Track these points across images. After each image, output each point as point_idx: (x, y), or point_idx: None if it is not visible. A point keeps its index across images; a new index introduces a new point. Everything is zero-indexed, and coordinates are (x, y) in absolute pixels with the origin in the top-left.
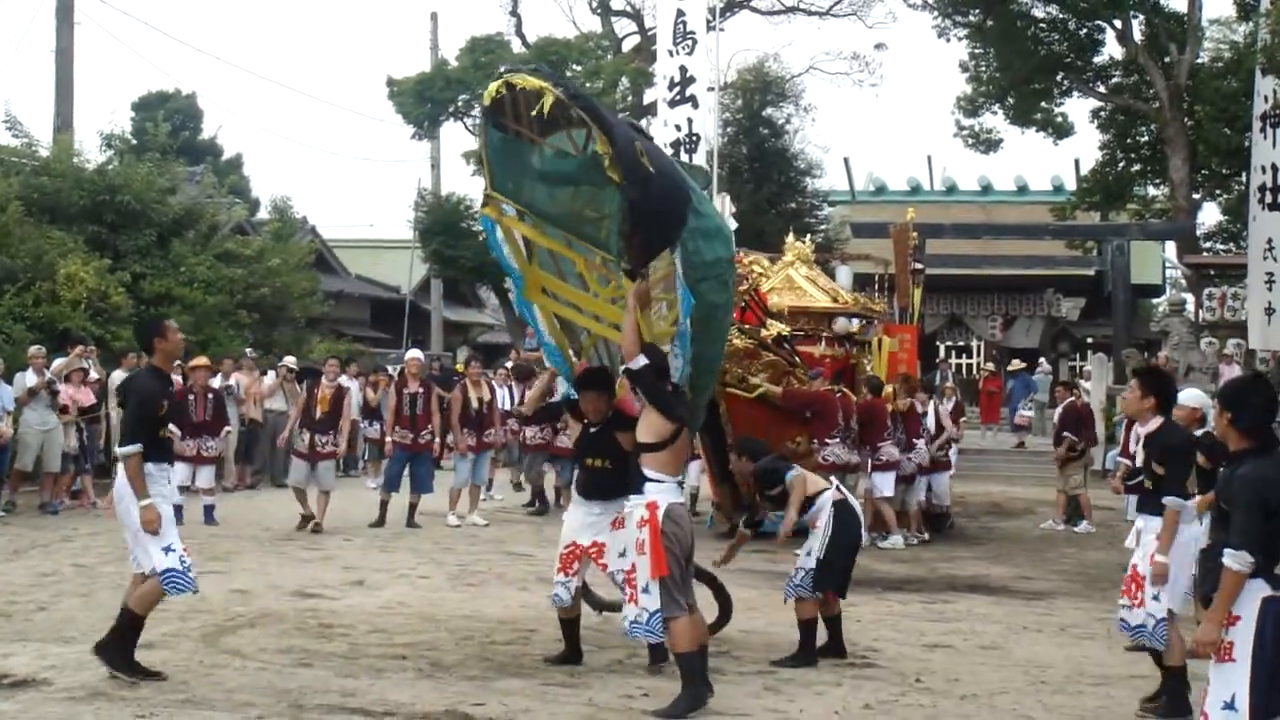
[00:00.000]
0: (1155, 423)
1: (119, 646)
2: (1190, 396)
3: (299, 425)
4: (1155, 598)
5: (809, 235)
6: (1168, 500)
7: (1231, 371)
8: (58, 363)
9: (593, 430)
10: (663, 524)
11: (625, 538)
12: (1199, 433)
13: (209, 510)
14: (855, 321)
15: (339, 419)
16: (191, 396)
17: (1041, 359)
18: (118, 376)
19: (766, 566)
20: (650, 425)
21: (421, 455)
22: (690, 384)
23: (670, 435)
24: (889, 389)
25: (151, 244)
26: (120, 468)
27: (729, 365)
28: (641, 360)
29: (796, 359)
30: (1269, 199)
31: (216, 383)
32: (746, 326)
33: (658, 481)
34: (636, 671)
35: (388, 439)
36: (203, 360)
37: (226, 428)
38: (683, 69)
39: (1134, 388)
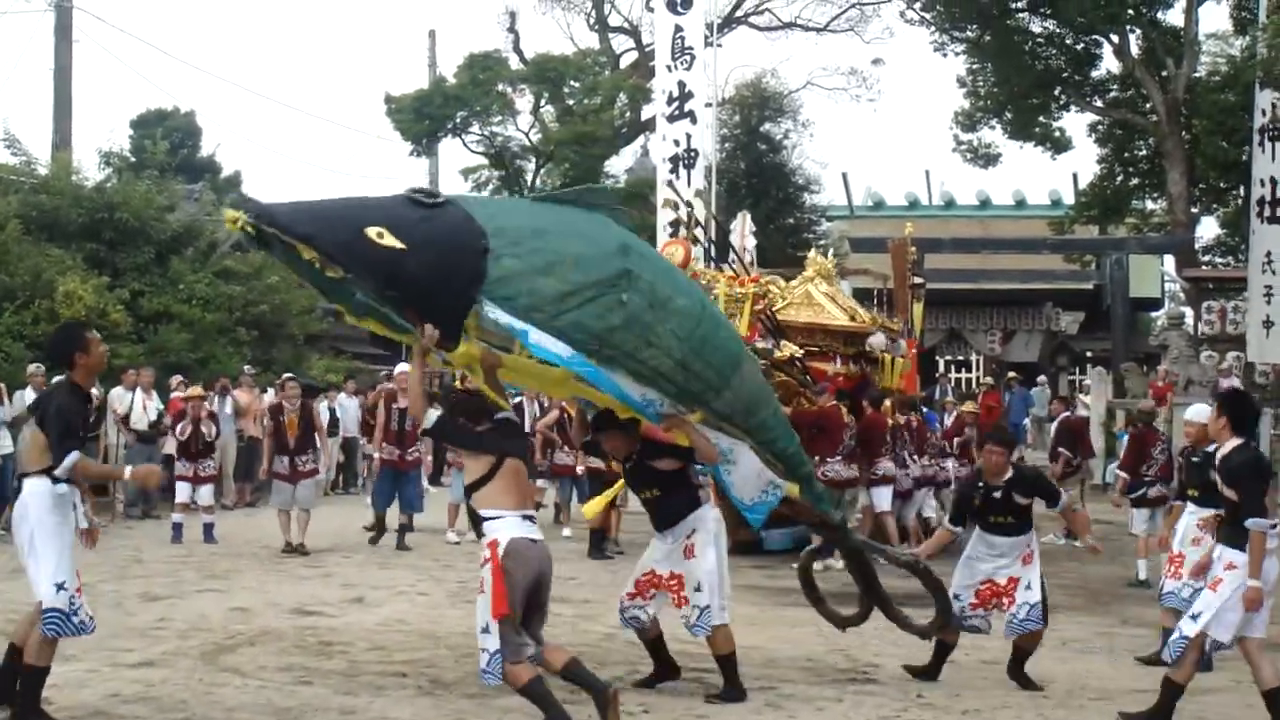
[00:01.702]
0: (1229, 445)
1: (33, 704)
2: (1200, 412)
3: (275, 453)
4: (1193, 618)
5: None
6: (1250, 523)
7: (1231, 385)
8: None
9: (628, 466)
10: (503, 562)
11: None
12: (1211, 448)
13: (208, 529)
14: (883, 338)
15: (312, 436)
16: (187, 425)
17: (1042, 376)
18: (26, 397)
19: (766, 583)
20: (468, 467)
21: (409, 474)
22: (691, 398)
23: (488, 470)
24: (887, 404)
25: (150, 261)
26: (25, 484)
27: None
28: (430, 419)
29: (808, 379)
30: (1268, 212)
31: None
32: (759, 346)
33: (495, 518)
34: (638, 688)
35: (374, 454)
36: (196, 390)
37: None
38: (681, 84)
39: (1214, 410)
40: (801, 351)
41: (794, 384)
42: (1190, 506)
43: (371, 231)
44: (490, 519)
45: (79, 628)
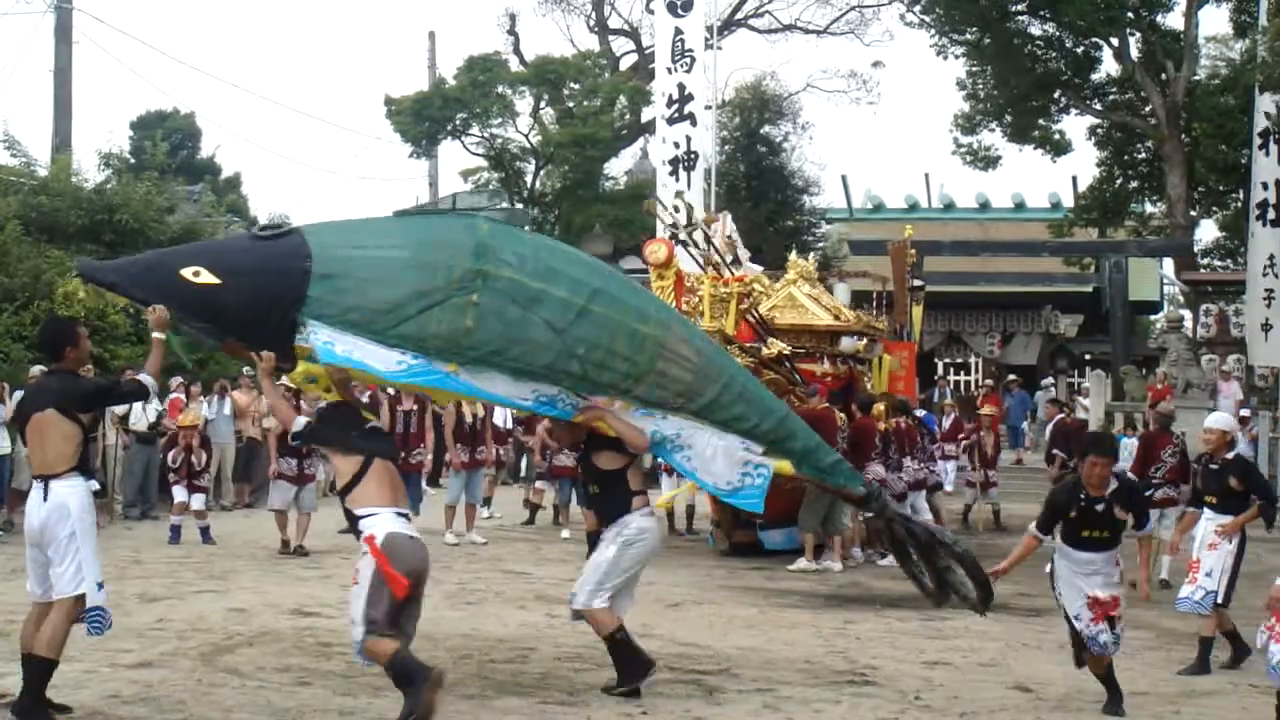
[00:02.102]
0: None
1: (36, 701)
2: (1220, 420)
3: (281, 454)
4: (1209, 574)
5: (810, 254)
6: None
7: (1230, 388)
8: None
9: (578, 458)
10: (385, 551)
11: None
12: (1230, 455)
13: (205, 532)
14: (861, 340)
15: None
16: (179, 452)
17: (1050, 378)
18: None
19: (765, 584)
20: (339, 470)
21: (412, 476)
22: (589, 387)
23: (359, 469)
24: (879, 407)
25: None
26: (56, 485)
27: None
28: (298, 424)
29: (797, 377)
30: (1270, 215)
31: (210, 408)
32: (747, 345)
33: (370, 515)
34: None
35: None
36: (190, 419)
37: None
38: (681, 86)
39: None
40: (789, 349)
41: (784, 382)
42: (1207, 513)
43: (187, 271)
44: (365, 516)
45: (110, 624)
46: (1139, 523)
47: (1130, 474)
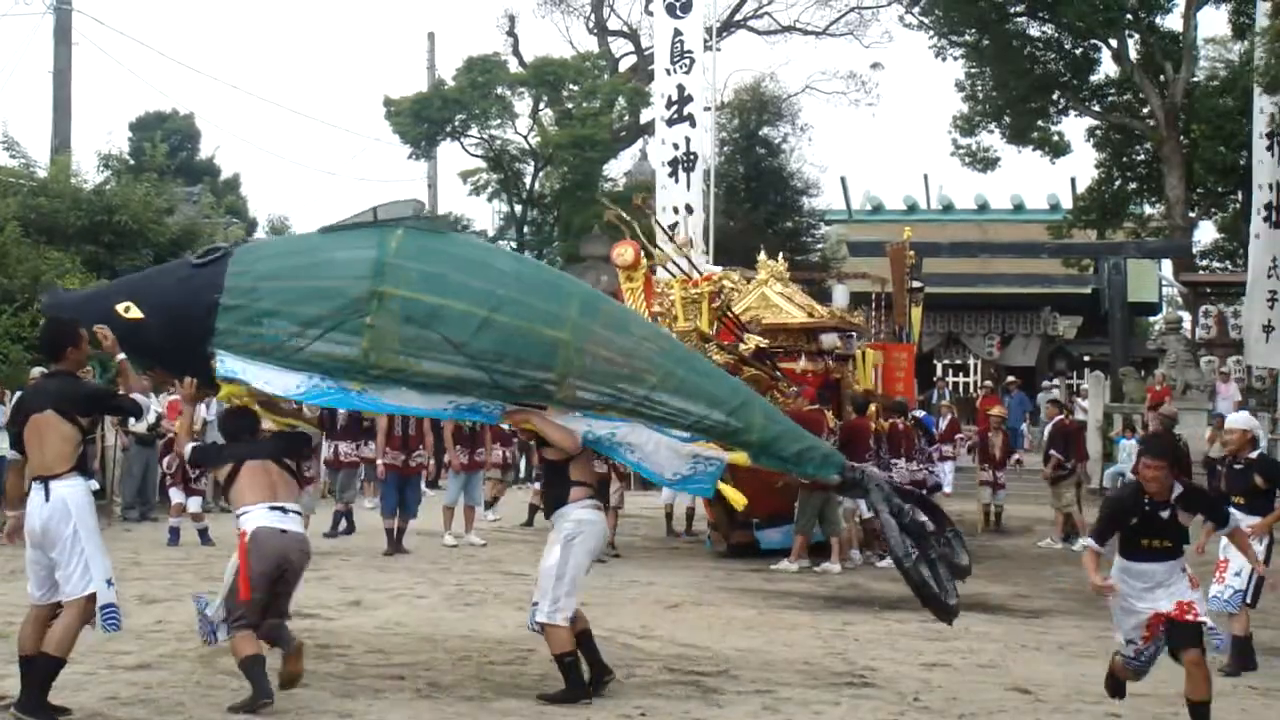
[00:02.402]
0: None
1: (41, 700)
2: (1240, 420)
3: None
4: (1237, 574)
5: (807, 254)
6: None
7: (1228, 390)
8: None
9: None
10: (248, 547)
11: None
12: (1253, 454)
13: (203, 534)
14: (837, 336)
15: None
16: (174, 459)
17: (1056, 379)
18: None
19: (763, 585)
20: (222, 480)
21: (413, 479)
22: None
23: (229, 474)
24: (872, 408)
25: (149, 264)
26: (56, 486)
27: None
28: (187, 451)
29: (778, 373)
30: (1273, 217)
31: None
32: (725, 344)
33: (244, 513)
34: (634, 691)
35: (379, 461)
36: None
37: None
38: (680, 88)
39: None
40: (766, 342)
41: (765, 378)
42: (1235, 514)
43: (120, 307)
44: (240, 514)
45: (122, 620)
46: (1220, 522)
47: (1132, 475)
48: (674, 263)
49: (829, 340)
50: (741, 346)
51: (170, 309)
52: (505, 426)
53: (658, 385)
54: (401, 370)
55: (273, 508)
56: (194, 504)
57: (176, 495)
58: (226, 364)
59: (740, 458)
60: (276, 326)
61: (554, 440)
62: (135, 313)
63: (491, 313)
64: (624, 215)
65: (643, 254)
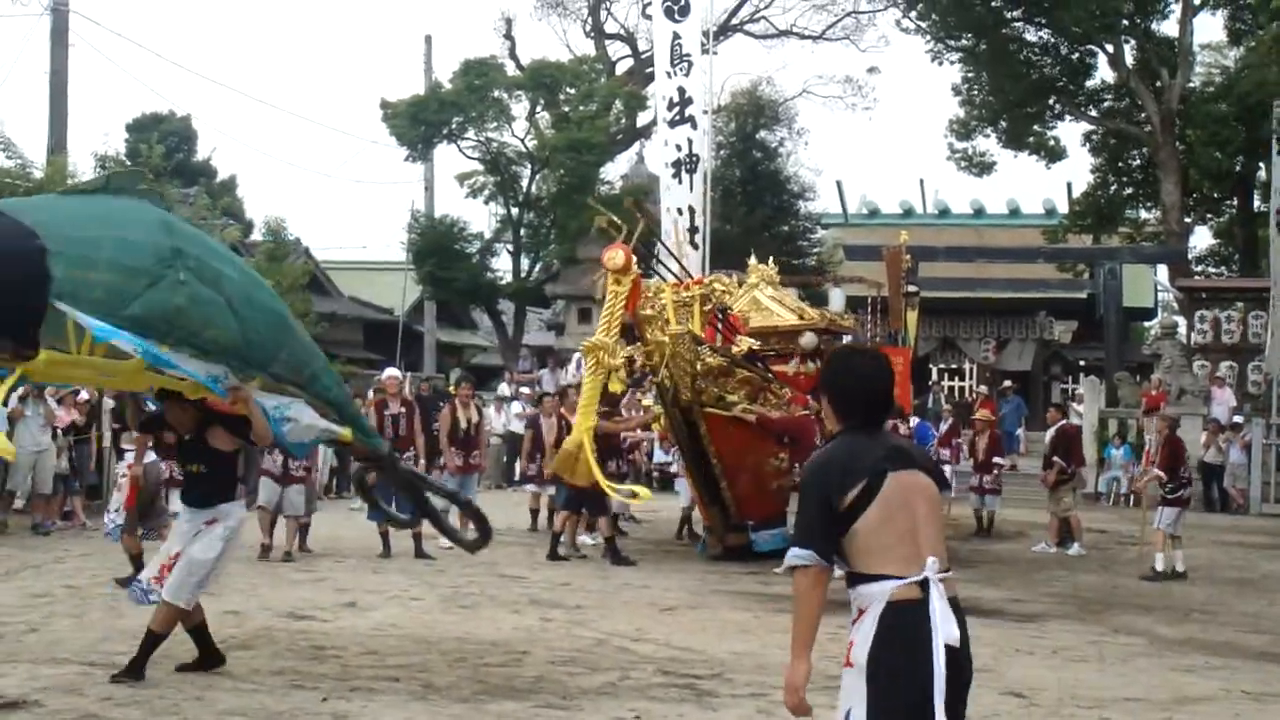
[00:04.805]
0: None
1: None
2: None
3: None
4: None
5: (803, 258)
6: None
7: (1223, 395)
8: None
9: (187, 439)
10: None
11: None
12: None
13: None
14: (816, 336)
15: None
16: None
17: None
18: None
19: (758, 589)
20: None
21: None
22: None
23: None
24: None
25: None
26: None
27: (705, 385)
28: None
29: (770, 375)
30: None
31: None
32: (717, 346)
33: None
34: (629, 693)
35: None
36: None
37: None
38: (681, 90)
39: None
40: (757, 343)
41: (757, 379)
42: None
43: None
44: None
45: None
46: None
47: (1158, 470)
48: (678, 263)
49: (808, 340)
50: (734, 349)
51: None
52: (502, 429)
53: (322, 362)
54: (196, 334)
55: None
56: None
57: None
58: (76, 316)
59: (347, 434)
60: (104, 278)
61: (257, 429)
62: None
63: (247, 280)
64: (615, 220)
65: (634, 258)
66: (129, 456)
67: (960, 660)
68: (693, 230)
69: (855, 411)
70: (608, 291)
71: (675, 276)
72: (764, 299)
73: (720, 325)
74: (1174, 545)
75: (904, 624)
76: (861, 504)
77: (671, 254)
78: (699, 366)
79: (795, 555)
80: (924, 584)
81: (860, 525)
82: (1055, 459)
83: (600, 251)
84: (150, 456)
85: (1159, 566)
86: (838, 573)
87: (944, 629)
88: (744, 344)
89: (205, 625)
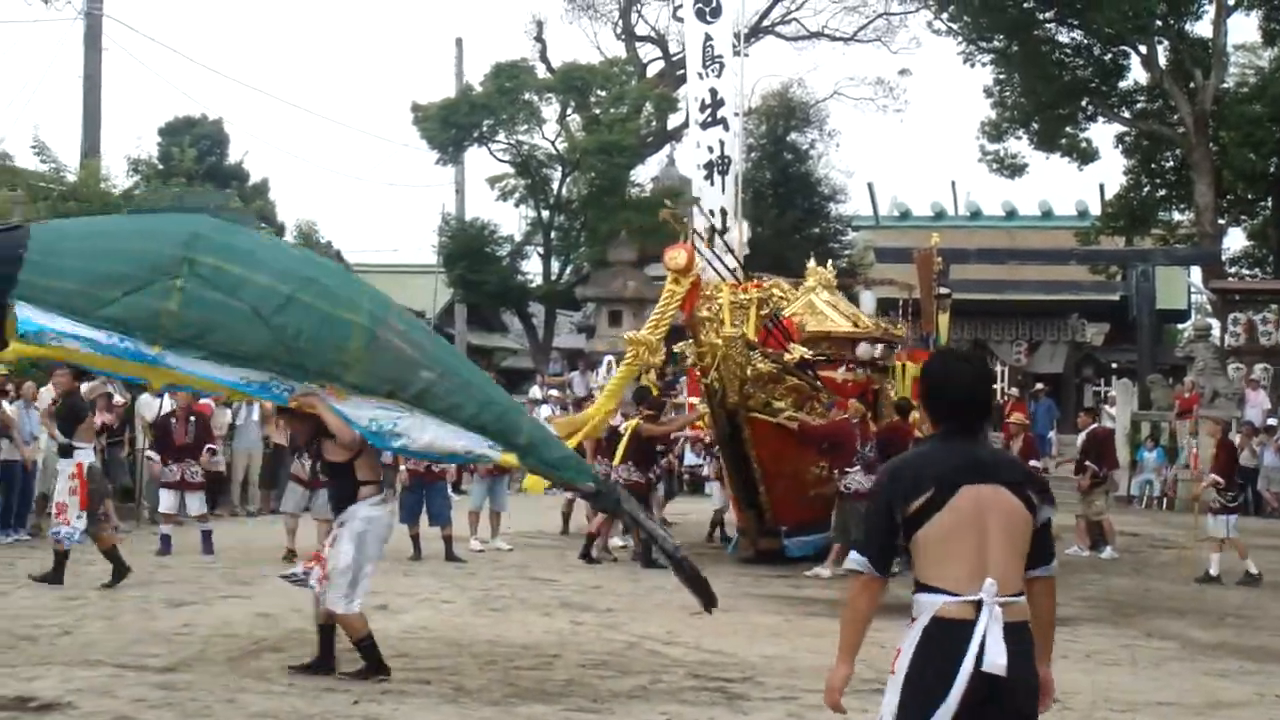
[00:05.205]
0: None
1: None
2: None
3: (294, 454)
4: None
5: (831, 260)
6: None
7: (1257, 397)
8: (84, 387)
9: (315, 449)
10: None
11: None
12: None
13: (206, 536)
14: (878, 347)
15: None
16: (174, 420)
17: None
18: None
19: (789, 592)
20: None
21: (437, 484)
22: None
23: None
24: (916, 414)
25: None
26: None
27: (753, 390)
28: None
29: (819, 383)
30: None
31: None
32: (770, 351)
33: (80, 449)
34: (660, 697)
35: (401, 467)
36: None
37: (209, 446)
38: (713, 91)
39: None
40: (810, 353)
41: (806, 388)
42: None
43: None
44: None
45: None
46: None
47: (1215, 475)
48: (737, 264)
49: (865, 350)
50: (786, 356)
51: None
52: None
53: (439, 379)
54: (200, 336)
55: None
56: (194, 504)
57: (166, 499)
58: (24, 314)
59: (510, 459)
60: (85, 284)
61: (333, 429)
62: None
63: (295, 290)
64: (679, 215)
65: (695, 260)
66: (79, 454)
67: (1009, 690)
68: (724, 232)
69: (948, 416)
70: (664, 290)
71: (734, 277)
72: (820, 303)
73: (775, 331)
74: (1224, 548)
75: (945, 642)
76: (927, 513)
77: (733, 254)
78: (749, 371)
79: (852, 559)
80: (979, 605)
81: (925, 534)
82: (1088, 463)
83: (663, 251)
84: (90, 457)
85: (1213, 571)
86: (826, 574)
87: (988, 656)
88: (796, 352)
89: (333, 629)
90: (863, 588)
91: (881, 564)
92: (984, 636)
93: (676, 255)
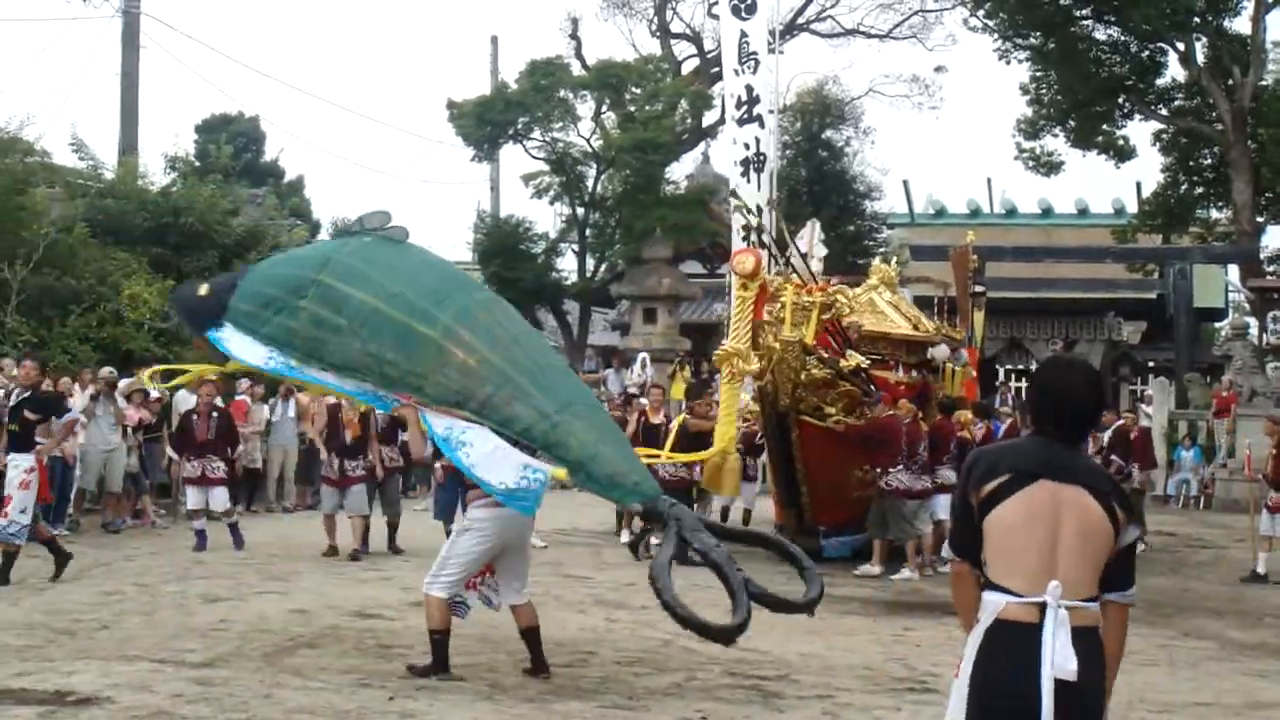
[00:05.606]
0: None
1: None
2: None
3: (328, 453)
4: None
5: (869, 258)
6: None
7: None
8: (122, 383)
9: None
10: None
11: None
12: None
13: (234, 530)
14: (946, 349)
15: (369, 442)
16: (195, 416)
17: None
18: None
19: (826, 591)
20: None
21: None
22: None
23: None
24: (963, 414)
25: (214, 265)
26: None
27: (805, 394)
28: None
29: (872, 388)
30: None
31: (275, 412)
32: (825, 356)
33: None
34: (695, 694)
35: (436, 465)
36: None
37: (238, 448)
38: (749, 88)
39: None
40: (868, 363)
41: (857, 394)
42: None
43: (202, 289)
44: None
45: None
46: None
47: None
48: (805, 265)
49: (940, 353)
50: (841, 363)
51: (218, 285)
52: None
53: (497, 390)
54: (316, 350)
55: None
56: (217, 500)
57: (193, 497)
58: (223, 332)
59: (560, 473)
60: (250, 304)
61: (412, 443)
62: (204, 289)
63: (382, 304)
64: (749, 207)
65: (763, 264)
66: (37, 450)
67: (1079, 692)
68: (760, 229)
69: (1047, 422)
70: (735, 297)
71: (800, 278)
72: (881, 302)
73: (835, 336)
74: (1271, 547)
75: (1009, 645)
76: (998, 498)
77: (800, 254)
78: (803, 376)
79: (947, 549)
80: (1043, 607)
81: (992, 523)
82: (1113, 458)
83: (732, 256)
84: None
85: (1261, 569)
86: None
87: (1057, 661)
88: (854, 360)
89: (537, 630)
90: (958, 577)
91: (967, 554)
92: (1051, 642)
93: (744, 260)
